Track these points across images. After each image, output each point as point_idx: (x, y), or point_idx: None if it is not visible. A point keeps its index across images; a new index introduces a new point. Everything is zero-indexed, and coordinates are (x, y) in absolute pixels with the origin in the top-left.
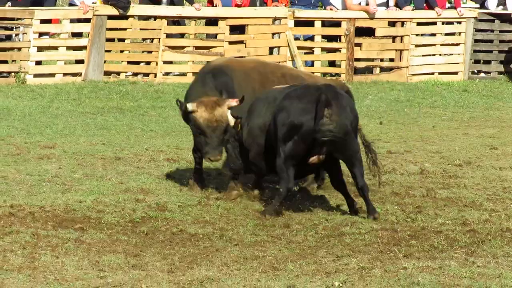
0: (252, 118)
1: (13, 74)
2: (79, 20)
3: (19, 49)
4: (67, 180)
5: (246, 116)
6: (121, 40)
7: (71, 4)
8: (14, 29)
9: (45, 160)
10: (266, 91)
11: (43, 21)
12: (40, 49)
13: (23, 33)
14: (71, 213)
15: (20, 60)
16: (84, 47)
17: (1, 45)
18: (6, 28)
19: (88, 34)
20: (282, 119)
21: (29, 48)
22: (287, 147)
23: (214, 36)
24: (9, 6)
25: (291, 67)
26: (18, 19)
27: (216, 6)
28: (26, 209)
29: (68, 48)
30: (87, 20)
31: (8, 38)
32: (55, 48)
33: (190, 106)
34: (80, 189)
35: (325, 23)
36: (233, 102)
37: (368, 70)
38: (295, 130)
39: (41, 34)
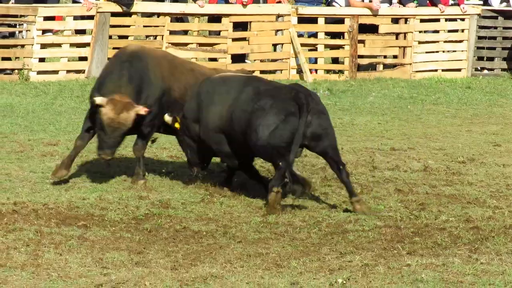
0: (209, 110)
1: (16, 71)
2: (82, 17)
3: (23, 46)
4: (70, 178)
5: (200, 108)
6: (124, 37)
7: (74, 1)
8: (18, 26)
9: (49, 157)
10: (209, 80)
11: (47, 18)
12: (44, 46)
13: (27, 30)
14: (74, 210)
15: (24, 57)
16: (88, 44)
17: (5, 42)
18: (9, 25)
19: (92, 31)
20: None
21: (32, 45)
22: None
23: (217, 33)
24: (12, 3)
25: (199, 64)
26: (21, 16)
27: None
28: (30, 207)
29: (72, 45)
30: (91, 17)
31: (12, 35)
32: (59, 45)
33: (99, 100)
34: (83, 186)
35: (328, 20)
36: (142, 111)
37: (372, 67)
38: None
39: (44, 31)
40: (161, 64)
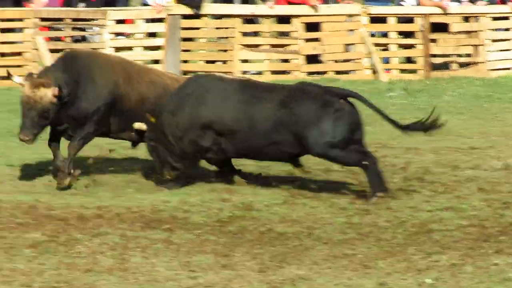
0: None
1: None
2: (153, 20)
3: (95, 50)
4: (153, 181)
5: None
6: (194, 39)
7: (144, 4)
8: (89, 30)
9: (129, 161)
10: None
11: (118, 21)
12: (117, 49)
13: (98, 34)
14: (158, 213)
15: None
16: (160, 47)
17: (78, 46)
18: (80, 29)
19: (163, 34)
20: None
21: (105, 49)
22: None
23: (286, 34)
24: (82, 6)
25: (160, 71)
26: (91, 19)
27: None
28: (113, 211)
29: (144, 48)
30: (161, 20)
31: (84, 39)
32: (131, 48)
33: (17, 79)
34: (165, 189)
35: (399, 19)
36: (56, 92)
37: (445, 66)
38: None
39: (116, 35)
40: (115, 70)
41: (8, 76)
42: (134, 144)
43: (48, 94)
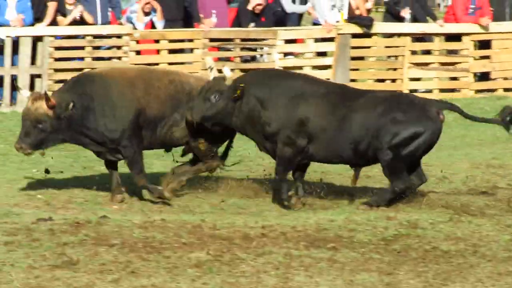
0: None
1: None
2: (323, 39)
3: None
4: (317, 199)
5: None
6: (364, 58)
7: (315, 24)
8: (259, 50)
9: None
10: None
11: (287, 41)
12: (286, 69)
13: (268, 54)
14: (323, 232)
15: None
16: (329, 66)
17: (247, 66)
18: (250, 49)
19: (332, 53)
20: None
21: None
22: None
23: (456, 51)
24: (252, 27)
25: (183, 73)
26: (261, 39)
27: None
28: (278, 230)
29: (314, 67)
30: (331, 39)
31: (253, 58)
32: (300, 67)
33: (25, 93)
34: (330, 208)
35: None
36: (50, 103)
37: None
38: None
39: (286, 54)
40: (134, 85)
41: (16, 89)
42: (168, 150)
43: (43, 106)
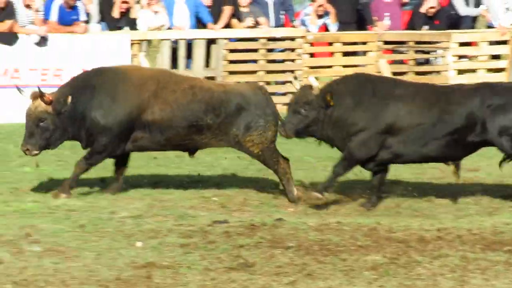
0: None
1: None
2: (497, 42)
3: (438, 72)
4: (493, 203)
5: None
6: None
7: (489, 26)
8: (432, 53)
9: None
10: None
11: (461, 44)
12: (460, 72)
13: (441, 56)
14: (499, 235)
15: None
16: (503, 69)
17: (421, 69)
18: (423, 52)
19: (507, 56)
20: None
21: (447, 71)
22: None
23: None
24: (426, 29)
25: (206, 80)
26: (435, 42)
27: None
28: (454, 232)
29: (488, 70)
30: (505, 42)
31: (427, 61)
32: (474, 70)
33: (27, 93)
34: (508, 210)
35: None
36: (47, 100)
37: None
38: None
39: (459, 57)
40: (147, 84)
41: (19, 91)
42: (192, 153)
43: (42, 103)
